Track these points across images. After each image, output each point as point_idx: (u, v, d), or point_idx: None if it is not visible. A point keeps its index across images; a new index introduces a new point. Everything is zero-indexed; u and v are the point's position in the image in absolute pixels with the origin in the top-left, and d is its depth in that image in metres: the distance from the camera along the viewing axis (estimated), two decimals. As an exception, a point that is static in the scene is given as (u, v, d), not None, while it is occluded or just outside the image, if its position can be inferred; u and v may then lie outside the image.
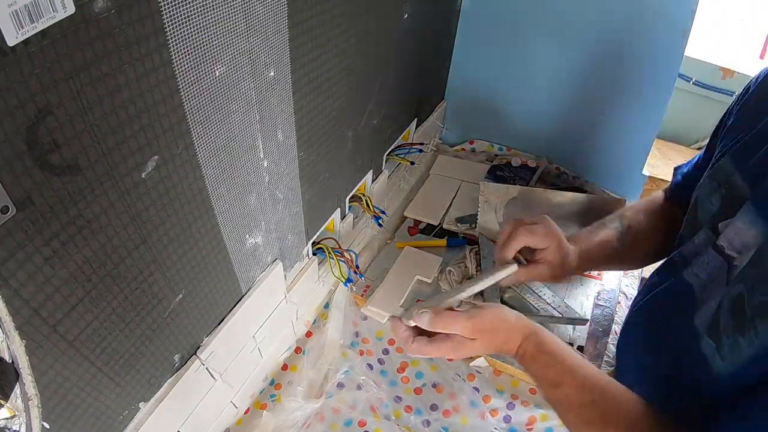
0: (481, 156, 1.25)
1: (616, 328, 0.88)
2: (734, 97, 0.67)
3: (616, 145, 1.08)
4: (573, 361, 0.62)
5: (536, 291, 0.90)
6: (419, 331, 0.65)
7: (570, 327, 0.86)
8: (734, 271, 0.55)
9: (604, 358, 0.82)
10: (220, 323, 0.61)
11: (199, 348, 0.59)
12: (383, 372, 0.81)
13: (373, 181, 0.93)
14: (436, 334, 0.64)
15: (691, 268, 0.62)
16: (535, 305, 0.88)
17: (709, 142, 0.72)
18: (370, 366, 0.82)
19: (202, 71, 0.41)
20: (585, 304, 0.89)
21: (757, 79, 0.65)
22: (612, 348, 0.85)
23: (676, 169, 0.80)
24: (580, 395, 0.59)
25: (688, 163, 0.78)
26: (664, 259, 0.74)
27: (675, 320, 0.63)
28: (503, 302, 0.88)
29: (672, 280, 0.65)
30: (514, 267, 0.71)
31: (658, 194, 0.83)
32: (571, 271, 0.76)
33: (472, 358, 0.83)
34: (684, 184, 0.77)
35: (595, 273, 0.95)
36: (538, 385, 0.64)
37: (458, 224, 1.04)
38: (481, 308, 0.64)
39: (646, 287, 0.76)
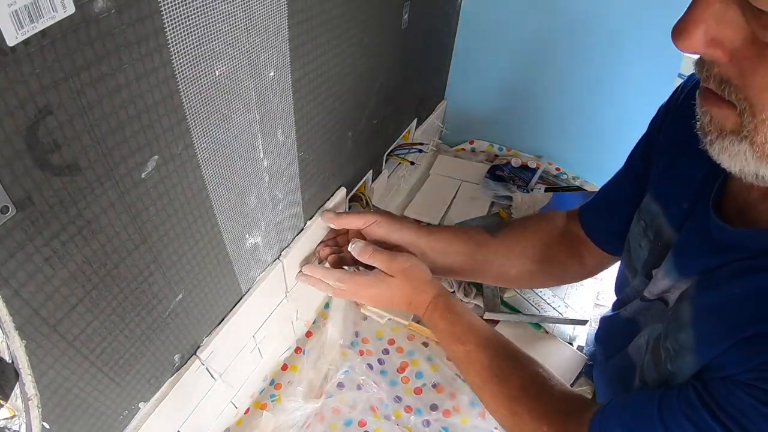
0: (481, 156, 1.25)
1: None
2: (655, 115, 0.63)
3: (616, 145, 1.07)
4: (477, 323, 0.66)
5: (537, 291, 0.90)
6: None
7: (570, 327, 0.86)
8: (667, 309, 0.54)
9: (604, 358, 0.82)
10: (220, 323, 0.61)
11: (199, 348, 0.59)
12: (383, 372, 0.82)
13: (373, 181, 0.93)
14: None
15: (625, 308, 0.64)
16: (536, 305, 0.88)
17: (626, 165, 0.69)
18: (370, 366, 0.82)
19: (201, 71, 0.41)
20: (585, 304, 0.89)
21: (673, 97, 0.60)
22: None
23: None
24: (481, 353, 0.62)
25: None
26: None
27: (618, 353, 0.64)
28: (503, 302, 0.88)
29: (620, 321, 0.66)
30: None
31: (559, 212, 0.79)
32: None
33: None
34: (587, 208, 0.74)
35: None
36: (443, 342, 0.68)
37: None
38: (402, 253, 0.68)
39: (603, 321, 0.77)
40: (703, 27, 0.34)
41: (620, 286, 0.69)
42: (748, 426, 0.39)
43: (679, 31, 0.35)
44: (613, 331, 0.68)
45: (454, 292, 0.90)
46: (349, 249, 0.69)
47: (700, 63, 0.38)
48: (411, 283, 0.67)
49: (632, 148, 0.68)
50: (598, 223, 0.71)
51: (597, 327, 0.79)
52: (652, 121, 0.64)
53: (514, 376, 0.60)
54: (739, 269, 0.44)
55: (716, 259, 0.47)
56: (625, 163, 0.69)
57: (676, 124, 0.58)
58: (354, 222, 0.73)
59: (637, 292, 0.62)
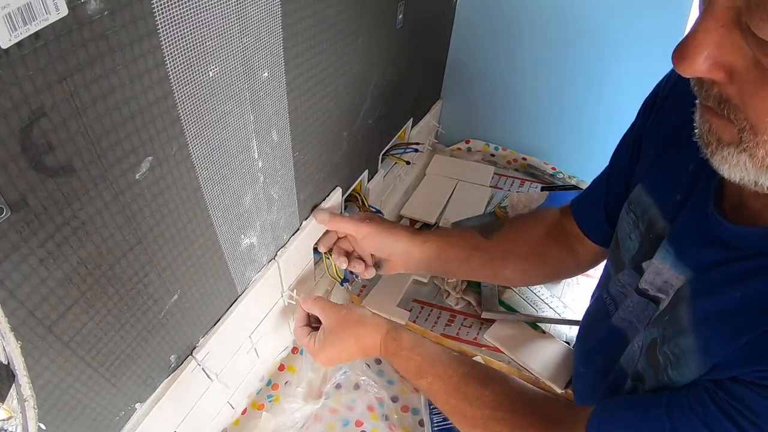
0: (477, 155, 1.25)
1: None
2: (641, 108, 0.64)
3: (612, 144, 1.08)
4: (432, 352, 0.65)
5: (534, 291, 0.90)
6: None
7: (566, 326, 0.86)
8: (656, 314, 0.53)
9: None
10: (216, 324, 0.61)
11: (195, 348, 0.59)
12: (380, 372, 0.82)
13: (369, 180, 0.93)
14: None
15: (618, 313, 0.61)
16: (533, 305, 0.88)
17: (613, 158, 0.70)
18: (368, 365, 0.82)
19: (195, 72, 0.41)
20: (582, 304, 0.89)
21: (659, 88, 0.61)
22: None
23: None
24: (443, 382, 0.62)
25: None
26: (595, 297, 0.72)
27: (612, 366, 0.61)
28: (501, 303, 0.88)
29: (605, 328, 0.64)
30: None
31: (552, 209, 0.80)
32: (412, 259, 0.74)
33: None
34: (580, 203, 0.75)
35: (590, 271, 0.95)
36: (407, 379, 0.68)
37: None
38: (335, 304, 0.70)
39: (583, 328, 0.75)
40: (705, 52, 0.33)
41: (602, 286, 0.68)
42: (763, 426, 0.39)
43: (680, 57, 0.35)
44: (602, 339, 0.65)
45: (448, 292, 0.90)
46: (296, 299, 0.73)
47: (698, 82, 0.38)
48: (351, 330, 0.67)
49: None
50: (590, 217, 0.71)
51: (579, 332, 0.77)
52: (638, 114, 0.64)
53: (485, 394, 0.59)
54: (738, 270, 0.44)
55: (714, 255, 0.46)
56: (612, 157, 0.69)
57: (663, 116, 0.58)
58: (346, 228, 0.74)
59: (624, 287, 0.60)
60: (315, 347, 0.69)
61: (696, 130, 0.40)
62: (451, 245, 0.74)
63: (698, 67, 0.34)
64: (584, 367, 0.68)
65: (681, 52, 0.34)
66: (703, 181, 0.50)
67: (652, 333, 0.52)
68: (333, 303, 0.71)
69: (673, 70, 0.58)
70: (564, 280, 0.94)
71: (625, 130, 0.68)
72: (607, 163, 1.02)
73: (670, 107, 0.57)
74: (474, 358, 0.82)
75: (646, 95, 0.66)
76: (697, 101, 0.39)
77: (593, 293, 0.74)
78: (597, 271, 0.95)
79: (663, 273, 0.52)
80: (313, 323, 0.74)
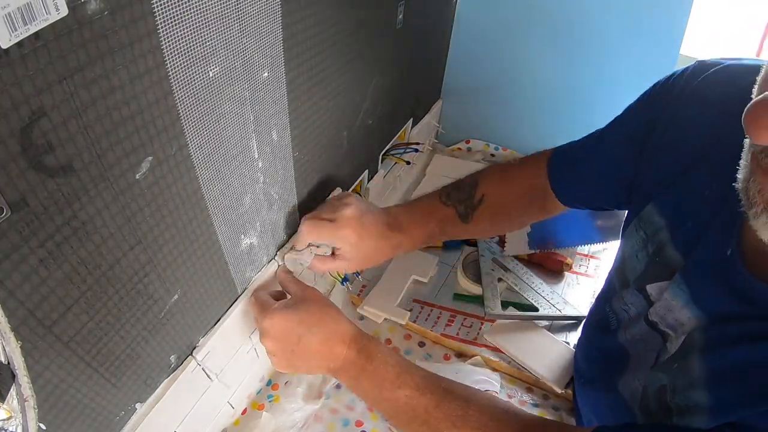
0: (477, 155, 1.25)
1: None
2: (643, 101, 0.61)
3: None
4: (408, 362, 0.59)
5: (535, 288, 0.90)
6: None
7: (567, 327, 0.86)
8: (664, 353, 0.52)
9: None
10: (216, 323, 0.61)
11: (195, 348, 0.59)
12: (380, 371, 0.82)
13: (368, 180, 0.93)
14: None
15: (623, 333, 0.59)
16: (534, 303, 0.88)
17: (610, 140, 0.66)
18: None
19: (195, 72, 0.41)
20: (582, 302, 0.89)
21: (667, 88, 0.57)
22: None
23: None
24: (424, 396, 0.55)
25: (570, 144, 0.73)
26: (597, 306, 0.70)
27: (611, 383, 0.60)
28: (502, 302, 0.88)
29: (609, 342, 0.62)
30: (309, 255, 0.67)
31: (540, 159, 0.76)
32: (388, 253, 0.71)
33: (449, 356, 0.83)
34: (557, 167, 0.72)
35: (590, 271, 0.95)
36: (371, 393, 0.58)
37: None
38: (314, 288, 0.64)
39: (585, 333, 0.75)
40: None
41: (605, 298, 0.66)
42: None
43: (757, 125, 0.32)
44: (604, 353, 0.63)
45: (454, 266, 0.90)
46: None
47: None
48: (325, 310, 0.60)
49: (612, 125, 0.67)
50: (567, 186, 0.71)
51: (581, 339, 0.77)
52: (639, 107, 0.62)
53: (469, 413, 0.53)
54: (757, 329, 0.42)
55: (732, 306, 0.44)
56: (608, 136, 0.67)
57: (682, 127, 0.53)
58: (327, 239, 0.67)
59: (627, 305, 0.59)
60: (273, 307, 0.60)
61: (739, 183, 0.38)
62: (427, 236, 0.74)
63: None
64: (586, 375, 0.69)
65: (759, 121, 0.32)
66: (722, 217, 0.47)
67: (661, 379, 0.50)
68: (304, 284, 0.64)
69: (682, 71, 0.56)
70: (565, 281, 0.94)
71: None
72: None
73: (691, 120, 0.53)
74: (474, 358, 0.82)
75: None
76: (746, 151, 0.37)
77: (597, 299, 0.73)
78: (597, 271, 0.95)
79: (675, 311, 0.50)
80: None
